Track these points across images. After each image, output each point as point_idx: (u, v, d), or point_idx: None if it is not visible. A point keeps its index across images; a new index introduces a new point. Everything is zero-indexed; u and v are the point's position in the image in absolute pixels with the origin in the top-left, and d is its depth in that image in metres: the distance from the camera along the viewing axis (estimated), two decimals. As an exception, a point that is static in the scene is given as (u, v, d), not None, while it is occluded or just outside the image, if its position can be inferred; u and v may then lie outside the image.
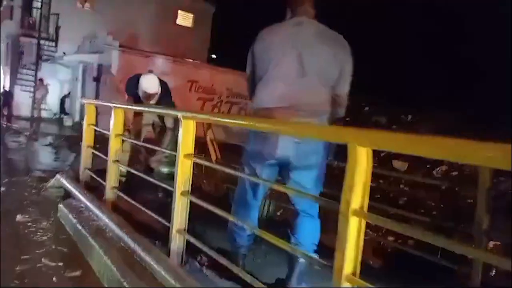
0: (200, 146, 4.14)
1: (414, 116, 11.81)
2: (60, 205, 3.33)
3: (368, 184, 1.30)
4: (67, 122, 13.22)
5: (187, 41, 16.51)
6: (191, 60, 13.85)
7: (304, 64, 2.08)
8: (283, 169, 2.20)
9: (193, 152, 2.29)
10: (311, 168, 2.13)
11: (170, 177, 4.08)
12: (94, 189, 3.67)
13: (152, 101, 4.02)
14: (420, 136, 1.15)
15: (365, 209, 1.31)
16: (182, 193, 2.25)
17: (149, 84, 4.00)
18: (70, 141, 9.68)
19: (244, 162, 2.32)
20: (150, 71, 11.65)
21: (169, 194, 2.44)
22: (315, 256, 1.95)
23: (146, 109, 3.31)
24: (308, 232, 2.24)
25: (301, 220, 2.24)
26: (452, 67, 14.02)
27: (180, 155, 2.25)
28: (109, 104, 3.31)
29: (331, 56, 2.12)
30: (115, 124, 3.24)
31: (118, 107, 3.21)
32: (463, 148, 1.08)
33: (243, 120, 2.10)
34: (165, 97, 4.14)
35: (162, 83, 4.17)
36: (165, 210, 2.63)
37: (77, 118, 13.27)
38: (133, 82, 4.11)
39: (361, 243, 1.33)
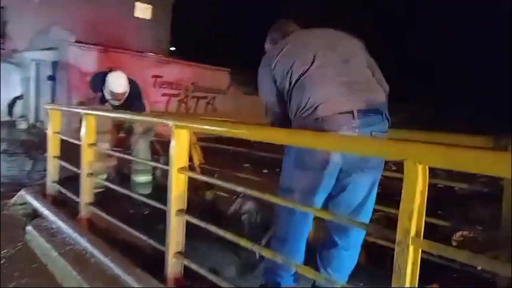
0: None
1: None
2: (28, 227, 2.95)
3: (424, 207, 1.11)
4: (21, 125, 12.28)
5: (147, 34, 15.83)
6: (154, 55, 13.27)
7: (346, 57, 1.80)
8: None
9: (187, 165, 2.02)
10: (372, 184, 1.77)
11: (148, 186, 3.81)
12: (64, 203, 3.30)
13: (118, 102, 3.69)
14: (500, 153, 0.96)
15: (421, 235, 1.12)
16: (177, 213, 1.98)
17: (117, 83, 3.64)
18: (26, 145, 9.01)
19: (291, 175, 1.78)
20: (111, 68, 11.05)
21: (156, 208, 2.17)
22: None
23: (127, 116, 2.95)
24: (346, 267, 1.88)
25: (339, 253, 1.85)
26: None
27: (173, 169, 1.98)
28: (79, 110, 2.94)
29: (358, 45, 1.90)
30: (87, 133, 2.88)
31: (90, 114, 2.85)
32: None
33: (264, 131, 1.72)
34: (135, 99, 3.79)
35: (132, 83, 3.82)
36: (153, 227, 2.35)
37: (31, 120, 12.37)
38: (99, 79, 3.78)
39: (417, 272, 1.14)
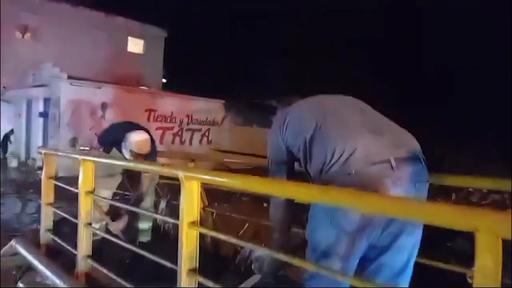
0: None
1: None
2: (20, 285, 2.71)
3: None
4: (12, 163, 12.01)
5: (139, 68, 15.91)
6: (147, 88, 13.25)
7: (362, 108, 1.75)
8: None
9: (198, 220, 1.85)
10: (415, 243, 1.58)
11: (149, 233, 3.60)
12: (59, 254, 3.07)
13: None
14: None
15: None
16: (189, 273, 1.79)
17: (142, 144, 3.37)
18: (17, 185, 8.73)
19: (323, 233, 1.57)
20: (104, 104, 10.96)
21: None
22: None
23: (132, 165, 2.77)
24: None
25: None
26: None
27: (184, 225, 1.80)
28: (77, 156, 2.77)
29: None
30: (84, 180, 2.70)
31: (88, 160, 2.68)
32: None
33: (289, 186, 1.49)
34: (151, 156, 3.59)
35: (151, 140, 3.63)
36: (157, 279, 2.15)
37: (22, 158, 12.10)
38: (114, 134, 3.51)
39: None
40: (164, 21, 17.53)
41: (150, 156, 3.45)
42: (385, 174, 1.42)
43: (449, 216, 0.99)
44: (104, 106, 10.41)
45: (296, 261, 1.50)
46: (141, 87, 13.31)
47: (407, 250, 1.54)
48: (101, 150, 3.49)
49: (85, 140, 8.50)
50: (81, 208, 2.69)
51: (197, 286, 1.82)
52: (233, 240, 1.77)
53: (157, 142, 3.73)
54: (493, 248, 0.91)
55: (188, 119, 12.87)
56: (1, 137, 13.23)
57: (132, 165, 2.74)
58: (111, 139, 3.45)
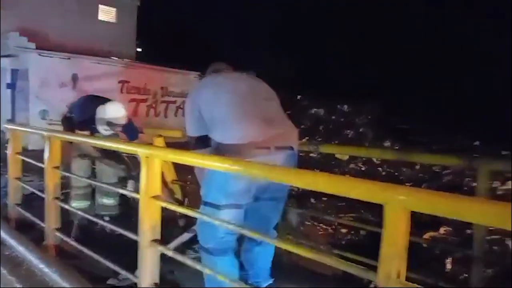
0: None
1: (350, 106, 12.17)
2: (-12, 258, 2.78)
3: (407, 249, 1.11)
4: (-21, 136, 11.69)
5: (111, 38, 15.41)
6: (120, 59, 12.93)
7: (257, 98, 2.12)
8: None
9: (160, 193, 1.95)
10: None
11: (115, 208, 3.66)
12: (29, 227, 3.13)
13: (115, 131, 3.46)
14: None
15: (404, 277, 1.11)
16: (151, 244, 1.91)
17: (119, 112, 3.37)
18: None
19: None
20: (75, 75, 10.66)
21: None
22: None
23: (95, 142, 2.80)
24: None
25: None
26: (384, 57, 14.64)
27: (144, 197, 1.91)
28: (42, 133, 2.80)
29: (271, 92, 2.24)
30: (51, 155, 2.75)
31: (54, 136, 2.72)
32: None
33: (239, 165, 1.64)
34: (131, 132, 3.54)
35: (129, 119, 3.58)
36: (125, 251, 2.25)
37: (-9, 130, 11.78)
38: (85, 110, 3.42)
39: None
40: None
41: (129, 131, 3.47)
42: (264, 158, 1.81)
43: (361, 190, 1.12)
44: (74, 77, 10.15)
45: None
46: (113, 58, 12.97)
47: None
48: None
49: (55, 112, 8.32)
50: (48, 182, 2.75)
51: (159, 257, 1.95)
52: (190, 213, 1.89)
53: (131, 114, 3.72)
54: (400, 219, 1.06)
55: (163, 91, 12.72)
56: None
57: (99, 143, 2.78)
58: (84, 116, 3.38)
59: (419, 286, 1.09)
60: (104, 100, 3.49)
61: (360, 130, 11.37)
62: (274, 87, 2.27)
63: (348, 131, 11.32)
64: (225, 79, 2.24)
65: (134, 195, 2.06)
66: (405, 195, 1.05)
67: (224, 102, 2.03)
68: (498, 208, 0.95)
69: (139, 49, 20.97)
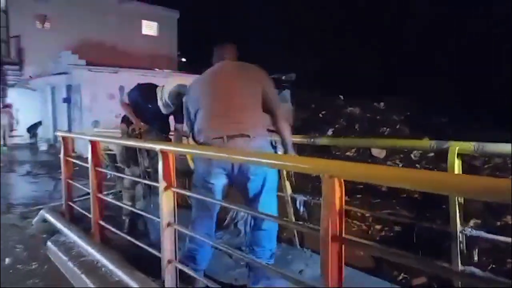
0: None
1: (386, 103, 12.09)
2: (48, 243, 3.33)
3: (343, 210, 1.40)
4: (42, 146, 12.94)
5: (154, 50, 16.40)
6: (161, 70, 13.76)
7: (230, 95, 2.44)
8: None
9: (174, 184, 2.35)
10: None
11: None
12: (80, 220, 3.67)
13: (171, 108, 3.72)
14: (387, 168, 1.26)
15: (343, 234, 1.41)
16: (168, 224, 2.31)
17: (184, 82, 3.58)
18: (48, 166, 9.52)
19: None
20: (122, 87, 11.46)
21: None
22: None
23: (123, 142, 3.27)
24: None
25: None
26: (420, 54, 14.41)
27: (162, 187, 2.31)
28: (85, 137, 3.32)
29: (247, 83, 2.49)
30: (92, 156, 3.25)
31: (95, 140, 3.22)
32: (429, 179, 1.20)
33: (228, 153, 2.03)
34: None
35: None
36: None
37: (51, 142, 12.99)
38: (141, 92, 3.81)
39: (343, 265, 1.43)
40: (176, 3, 17.86)
41: (179, 115, 3.71)
42: (221, 145, 2.30)
43: (302, 164, 1.44)
44: (121, 89, 11.02)
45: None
46: (156, 69, 13.82)
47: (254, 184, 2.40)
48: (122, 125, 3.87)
49: (105, 122, 9.11)
50: (92, 181, 3.25)
51: (176, 235, 2.34)
52: (206, 198, 2.28)
53: (171, 121, 4.07)
54: (334, 187, 1.36)
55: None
56: (30, 126, 14.16)
57: (121, 142, 3.23)
58: (137, 98, 3.77)
59: (357, 239, 1.39)
60: (154, 85, 3.87)
61: (397, 127, 11.30)
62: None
63: (384, 128, 11.29)
64: (204, 81, 2.61)
65: (155, 183, 2.47)
66: (336, 167, 1.36)
67: (198, 105, 2.51)
68: (403, 172, 1.23)
69: (183, 59, 22.02)
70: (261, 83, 2.51)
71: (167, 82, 3.71)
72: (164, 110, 3.74)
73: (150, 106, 3.74)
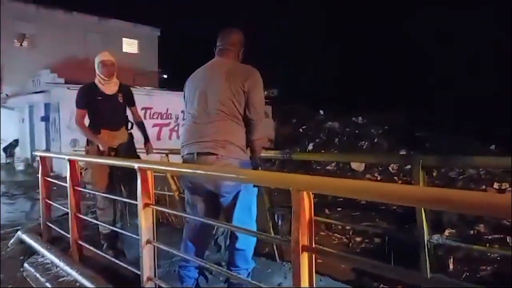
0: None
1: (364, 118, 12.37)
2: (25, 265, 3.29)
3: (312, 221, 1.48)
4: (19, 166, 12.67)
5: (135, 68, 16.39)
6: (142, 88, 13.75)
7: (207, 100, 2.42)
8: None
9: (153, 201, 2.38)
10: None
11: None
12: (59, 240, 3.64)
13: (111, 81, 3.70)
14: (353, 182, 1.34)
15: (313, 244, 1.48)
16: (147, 241, 2.34)
17: (108, 58, 3.77)
18: (24, 187, 9.33)
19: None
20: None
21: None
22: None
23: (101, 161, 3.26)
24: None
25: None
26: (399, 69, 14.85)
27: (141, 205, 2.34)
28: (63, 157, 3.32)
29: (231, 88, 2.35)
30: (71, 175, 3.25)
31: (73, 159, 3.23)
32: (392, 191, 1.28)
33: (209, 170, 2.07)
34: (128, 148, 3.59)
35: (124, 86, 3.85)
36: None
37: (29, 161, 12.74)
38: (84, 90, 3.72)
39: (313, 273, 1.49)
40: (157, 21, 18.01)
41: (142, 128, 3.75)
42: (191, 162, 2.39)
43: (272, 179, 1.51)
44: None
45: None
46: (136, 86, 13.81)
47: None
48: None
49: (84, 141, 8.97)
50: (70, 200, 3.24)
51: (155, 252, 2.37)
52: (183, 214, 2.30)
53: (154, 139, 4.01)
54: (302, 200, 1.43)
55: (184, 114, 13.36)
56: (7, 145, 13.86)
57: (99, 161, 3.23)
58: (84, 98, 3.63)
59: (326, 249, 1.46)
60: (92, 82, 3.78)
61: (375, 140, 11.58)
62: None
63: (363, 142, 11.56)
64: (194, 79, 2.59)
65: (132, 201, 2.49)
66: (303, 181, 1.44)
67: (187, 107, 2.57)
68: (367, 185, 1.32)
69: (164, 76, 22.04)
70: (247, 88, 2.33)
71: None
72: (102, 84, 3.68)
73: (100, 98, 3.60)
